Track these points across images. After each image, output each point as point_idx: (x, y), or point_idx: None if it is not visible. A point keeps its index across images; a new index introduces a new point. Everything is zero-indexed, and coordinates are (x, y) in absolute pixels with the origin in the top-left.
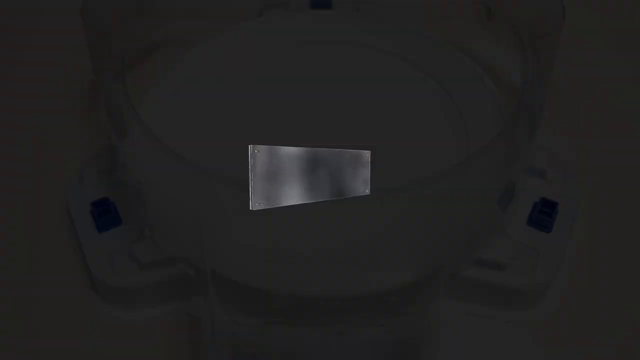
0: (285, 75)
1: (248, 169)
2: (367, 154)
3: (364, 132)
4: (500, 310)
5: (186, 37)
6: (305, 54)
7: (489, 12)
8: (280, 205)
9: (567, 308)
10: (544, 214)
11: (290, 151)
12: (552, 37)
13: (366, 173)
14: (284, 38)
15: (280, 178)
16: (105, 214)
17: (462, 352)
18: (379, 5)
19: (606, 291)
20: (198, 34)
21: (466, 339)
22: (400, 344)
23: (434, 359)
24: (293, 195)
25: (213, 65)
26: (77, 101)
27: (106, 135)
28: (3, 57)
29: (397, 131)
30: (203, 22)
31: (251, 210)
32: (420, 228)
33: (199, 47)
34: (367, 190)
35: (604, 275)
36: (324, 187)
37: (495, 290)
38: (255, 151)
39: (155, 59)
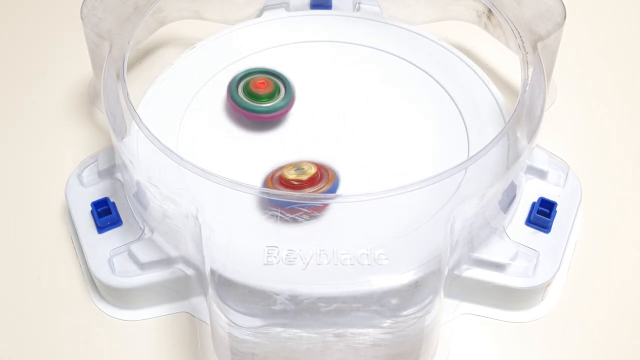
0: (285, 75)
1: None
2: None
3: (362, 132)
4: (500, 310)
5: (186, 37)
6: (305, 54)
7: (489, 12)
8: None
9: (566, 308)
10: (542, 214)
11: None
12: (553, 38)
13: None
14: (284, 38)
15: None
16: (105, 214)
17: (462, 352)
18: (379, 5)
19: (605, 291)
20: (198, 34)
21: (466, 339)
22: (400, 344)
23: (434, 358)
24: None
25: (213, 65)
26: (77, 101)
27: (106, 135)
28: (3, 58)
29: (397, 131)
30: (203, 22)
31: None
32: (421, 228)
33: (199, 47)
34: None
35: (603, 275)
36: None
37: (495, 290)
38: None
39: (155, 59)
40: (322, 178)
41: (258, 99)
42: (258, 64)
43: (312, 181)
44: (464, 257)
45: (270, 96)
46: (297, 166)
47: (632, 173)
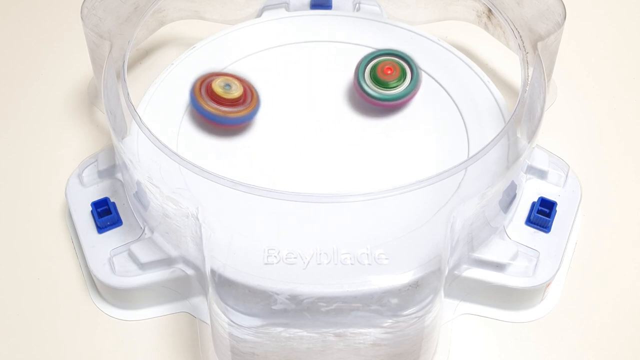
0: (285, 75)
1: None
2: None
3: (362, 132)
4: (500, 310)
5: (186, 37)
6: (305, 54)
7: (489, 12)
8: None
9: (566, 308)
10: (542, 214)
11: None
12: (553, 38)
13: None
14: (284, 38)
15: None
16: (105, 214)
17: (462, 352)
18: (379, 5)
19: (605, 291)
20: (198, 34)
21: (466, 339)
22: (400, 343)
23: (434, 358)
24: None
25: (213, 65)
26: (77, 101)
27: (106, 135)
28: (3, 58)
29: (397, 131)
30: (203, 22)
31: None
32: (421, 228)
33: (199, 47)
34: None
35: (603, 275)
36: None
37: (495, 290)
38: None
39: (155, 59)
40: (245, 101)
41: (385, 86)
42: (258, 64)
43: (233, 102)
44: (464, 257)
45: (398, 81)
46: (227, 82)
47: (632, 173)
